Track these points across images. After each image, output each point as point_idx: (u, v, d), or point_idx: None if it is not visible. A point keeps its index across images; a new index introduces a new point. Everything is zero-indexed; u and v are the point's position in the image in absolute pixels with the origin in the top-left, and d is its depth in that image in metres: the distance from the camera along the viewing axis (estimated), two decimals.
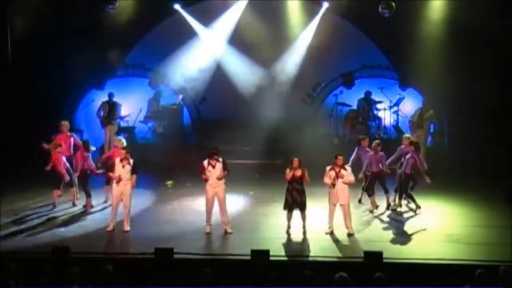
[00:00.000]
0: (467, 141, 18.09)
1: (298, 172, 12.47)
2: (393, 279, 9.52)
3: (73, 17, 18.00)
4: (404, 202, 14.35)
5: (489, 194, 15.20)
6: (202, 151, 18.40)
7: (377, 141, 14.43)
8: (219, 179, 12.57)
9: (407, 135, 15.36)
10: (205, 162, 12.68)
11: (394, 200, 14.32)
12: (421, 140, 17.03)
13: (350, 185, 12.71)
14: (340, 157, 12.73)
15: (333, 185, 12.55)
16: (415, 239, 12.54)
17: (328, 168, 12.83)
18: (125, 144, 14.16)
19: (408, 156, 13.94)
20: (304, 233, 12.55)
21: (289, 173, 12.51)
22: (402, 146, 14.48)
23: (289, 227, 12.61)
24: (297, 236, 12.51)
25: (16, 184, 15.76)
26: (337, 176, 12.55)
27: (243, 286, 9.60)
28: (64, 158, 14.27)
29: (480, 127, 18.06)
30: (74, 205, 14.37)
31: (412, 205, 14.18)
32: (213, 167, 12.60)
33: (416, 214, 13.93)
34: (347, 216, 12.68)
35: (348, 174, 12.64)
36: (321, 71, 19.62)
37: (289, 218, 12.62)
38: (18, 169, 17.11)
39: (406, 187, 14.03)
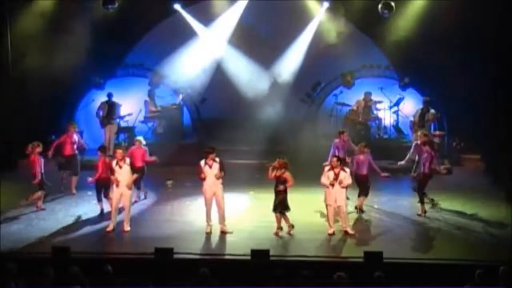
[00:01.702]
0: (468, 141, 18.11)
1: (278, 173, 12.47)
2: (393, 279, 9.53)
3: (73, 17, 18.01)
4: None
5: (490, 194, 15.22)
6: (202, 151, 18.54)
7: (362, 143, 14.35)
8: (217, 178, 12.55)
9: (424, 132, 15.44)
10: (202, 162, 12.71)
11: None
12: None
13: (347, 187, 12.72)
14: (334, 159, 12.74)
15: (332, 185, 12.52)
16: (415, 239, 12.55)
17: (326, 168, 12.81)
18: (144, 143, 14.73)
19: (424, 156, 13.86)
20: (288, 232, 12.54)
21: (270, 173, 12.55)
22: (418, 142, 14.50)
23: (277, 228, 12.65)
24: (297, 236, 12.52)
25: (16, 184, 15.76)
26: (336, 177, 12.52)
27: (243, 286, 9.61)
28: (42, 160, 14.15)
29: (481, 127, 18.08)
30: (41, 209, 14.18)
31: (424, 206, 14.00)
32: (210, 167, 12.62)
33: (420, 215, 13.88)
34: (343, 217, 12.66)
35: (347, 177, 12.58)
36: (321, 71, 19.59)
37: (276, 219, 12.66)
38: (18, 169, 17.13)
39: (423, 187, 13.95)
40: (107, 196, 13.60)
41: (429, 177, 13.88)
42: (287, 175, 12.48)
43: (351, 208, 13.81)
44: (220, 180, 12.67)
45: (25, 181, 15.82)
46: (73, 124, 15.95)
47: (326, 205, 12.70)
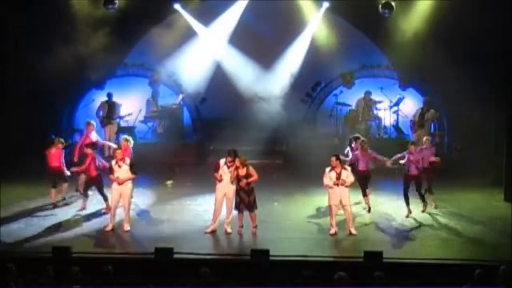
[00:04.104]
0: (468, 141, 18.10)
1: (242, 172, 12.44)
2: (393, 279, 9.53)
3: (74, 16, 18.02)
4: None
5: (490, 194, 15.22)
6: (202, 151, 18.59)
7: (363, 139, 14.36)
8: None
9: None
10: (222, 161, 12.68)
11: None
12: (422, 140, 17.02)
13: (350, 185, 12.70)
14: (333, 158, 12.64)
15: (336, 185, 12.47)
16: (415, 239, 12.54)
17: (327, 169, 12.75)
18: (132, 143, 14.52)
19: (404, 161, 13.89)
20: (254, 233, 12.53)
21: (232, 175, 12.49)
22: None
23: (239, 226, 12.61)
24: (297, 236, 12.52)
25: (17, 183, 15.76)
26: (339, 177, 12.48)
27: (243, 286, 9.61)
28: (62, 154, 14.27)
29: (481, 127, 18.07)
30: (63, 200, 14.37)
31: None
32: (228, 168, 12.58)
33: (408, 217, 13.80)
34: (349, 216, 12.63)
35: (348, 175, 12.56)
36: (321, 71, 19.60)
37: (239, 218, 12.61)
38: (18, 169, 17.12)
39: (416, 187, 13.97)
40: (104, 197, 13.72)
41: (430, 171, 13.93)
42: (252, 170, 12.48)
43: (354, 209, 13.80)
44: (234, 182, 12.64)
45: (25, 181, 15.90)
46: (92, 124, 15.68)
47: (330, 206, 12.66)
